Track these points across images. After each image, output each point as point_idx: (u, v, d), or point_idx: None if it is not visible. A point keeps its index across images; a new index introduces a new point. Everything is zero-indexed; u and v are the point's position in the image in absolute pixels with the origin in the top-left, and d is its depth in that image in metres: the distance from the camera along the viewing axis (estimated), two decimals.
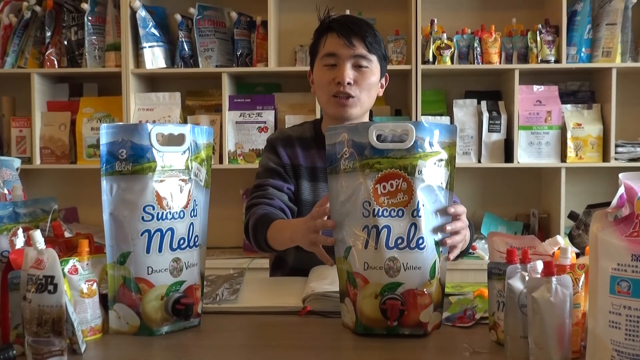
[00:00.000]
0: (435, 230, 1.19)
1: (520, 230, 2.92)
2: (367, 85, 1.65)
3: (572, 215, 1.86)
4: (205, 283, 1.34)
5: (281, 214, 1.66)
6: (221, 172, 2.83)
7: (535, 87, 2.82)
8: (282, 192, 1.71)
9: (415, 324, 1.16)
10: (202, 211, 1.27)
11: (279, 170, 1.73)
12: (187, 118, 2.92)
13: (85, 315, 1.13)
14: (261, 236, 1.59)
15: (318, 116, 2.73)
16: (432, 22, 2.82)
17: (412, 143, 1.16)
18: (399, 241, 1.15)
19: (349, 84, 1.62)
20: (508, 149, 2.80)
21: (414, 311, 1.15)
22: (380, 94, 1.74)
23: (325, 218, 1.31)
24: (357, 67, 1.64)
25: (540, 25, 2.76)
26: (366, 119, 1.77)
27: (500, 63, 2.80)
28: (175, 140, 1.21)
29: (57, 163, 2.91)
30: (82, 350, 1.07)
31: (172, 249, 1.19)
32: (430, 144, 1.18)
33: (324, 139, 1.73)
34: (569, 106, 2.84)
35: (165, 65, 2.89)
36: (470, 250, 2.73)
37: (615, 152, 2.75)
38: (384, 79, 1.74)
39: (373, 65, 1.65)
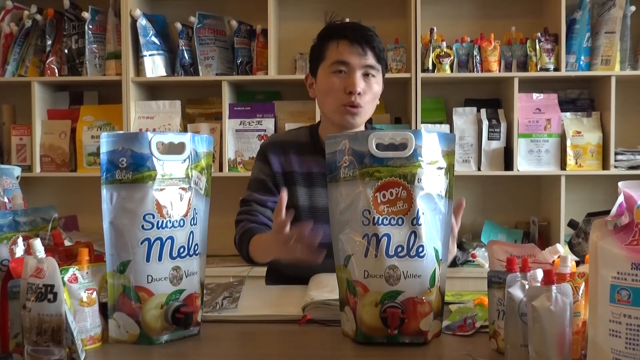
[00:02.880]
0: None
1: (520, 238, 2.91)
2: (373, 95, 1.67)
3: (571, 224, 1.86)
4: (205, 291, 1.34)
5: (263, 229, 1.70)
6: (221, 180, 2.83)
7: (535, 95, 2.82)
8: (266, 207, 1.75)
9: (416, 332, 1.15)
10: (202, 220, 1.27)
11: (265, 182, 1.76)
12: (187, 126, 2.93)
13: (84, 324, 1.13)
14: (244, 252, 1.69)
15: None
16: (431, 30, 2.83)
17: (411, 151, 1.16)
18: (399, 249, 1.15)
19: (359, 93, 1.64)
20: (508, 157, 2.80)
21: (414, 319, 1.15)
22: (378, 102, 1.75)
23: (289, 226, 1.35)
24: (365, 75, 1.65)
25: (539, 34, 2.77)
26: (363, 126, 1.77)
27: (499, 71, 2.81)
28: (175, 148, 1.21)
29: (57, 171, 2.92)
30: (82, 359, 1.07)
31: (172, 258, 1.19)
32: (430, 153, 1.18)
33: (321, 144, 1.74)
34: (568, 114, 2.84)
35: (165, 74, 2.90)
36: (470, 258, 2.73)
37: (615, 160, 2.75)
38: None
39: (379, 75, 1.68)
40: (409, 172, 1.16)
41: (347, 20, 2.73)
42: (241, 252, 1.72)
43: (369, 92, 1.66)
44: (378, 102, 1.74)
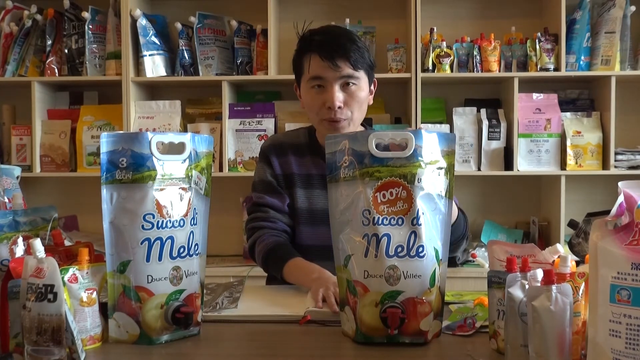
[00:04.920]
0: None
1: (520, 238, 2.91)
2: (358, 103, 1.64)
3: (571, 224, 1.86)
4: (205, 291, 1.34)
5: (288, 242, 1.70)
6: (221, 180, 2.83)
7: (535, 95, 2.82)
8: (283, 212, 1.73)
9: (416, 332, 1.16)
10: (202, 220, 1.27)
11: (274, 185, 1.74)
12: (187, 126, 2.92)
13: (84, 324, 1.13)
14: (276, 270, 1.64)
15: None
16: (431, 30, 2.83)
17: (411, 151, 1.16)
18: (399, 249, 1.15)
19: (339, 107, 1.61)
20: (508, 157, 2.80)
21: (414, 319, 1.15)
22: (371, 102, 1.72)
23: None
24: (346, 84, 1.62)
25: (539, 34, 2.77)
26: (360, 129, 1.77)
27: (499, 71, 2.80)
28: (175, 148, 1.22)
29: (57, 171, 2.91)
30: (82, 359, 1.07)
31: (172, 258, 1.19)
32: (430, 153, 1.18)
33: (319, 146, 1.73)
34: (568, 114, 2.84)
35: (165, 74, 2.90)
36: (470, 258, 2.73)
37: (615, 160, 2.75)
38: (372, 84, 1.72)
39: (361, 81, 1.63)
40: (409, 172, 1.16)
41: (347, 21, 2.75)
42: (267, 267, 1.70)
43: (352, 101, 1.62)
44: (370, 101, 1.73)
